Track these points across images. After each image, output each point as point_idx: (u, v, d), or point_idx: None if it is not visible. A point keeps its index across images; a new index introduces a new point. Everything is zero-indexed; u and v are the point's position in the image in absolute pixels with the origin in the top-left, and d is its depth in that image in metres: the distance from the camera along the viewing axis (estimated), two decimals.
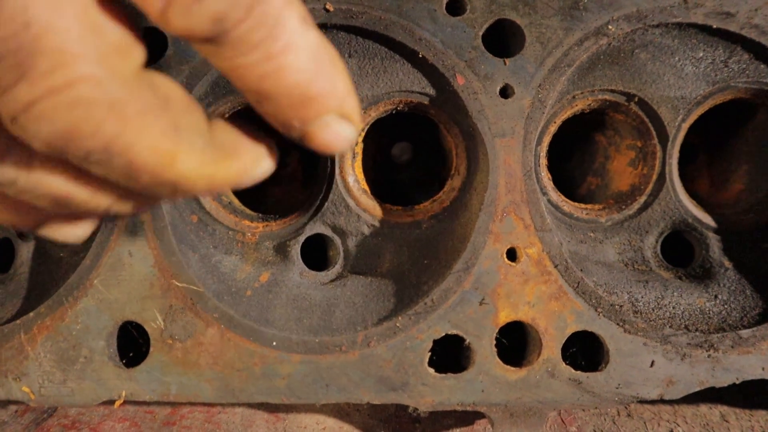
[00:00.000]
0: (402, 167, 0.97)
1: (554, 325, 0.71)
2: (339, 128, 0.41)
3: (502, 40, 0.74)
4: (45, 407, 0.77)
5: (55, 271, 0.76)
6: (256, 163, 0.43)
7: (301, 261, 0.78)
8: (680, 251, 0.81)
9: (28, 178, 0.39)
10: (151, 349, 0.71)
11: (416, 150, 0.96)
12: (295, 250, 0.78)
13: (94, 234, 0.72)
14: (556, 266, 0.71)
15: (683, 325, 0.72)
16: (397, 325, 0.70)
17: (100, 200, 0.42)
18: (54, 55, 0.33)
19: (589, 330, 0.71)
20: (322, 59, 0.39)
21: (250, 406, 0.80)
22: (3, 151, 0.38)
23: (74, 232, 0.48)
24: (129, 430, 0.76)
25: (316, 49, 0.39)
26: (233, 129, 0.42)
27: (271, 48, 0.36)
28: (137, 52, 0.38)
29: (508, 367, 0.71)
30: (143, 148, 0.37)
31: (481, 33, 0.71)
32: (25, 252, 0.79)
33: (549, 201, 0.79)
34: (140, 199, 0.43)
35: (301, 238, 0.78)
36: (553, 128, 0.79)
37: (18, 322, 0.71)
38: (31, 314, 0.71)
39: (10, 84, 0.33)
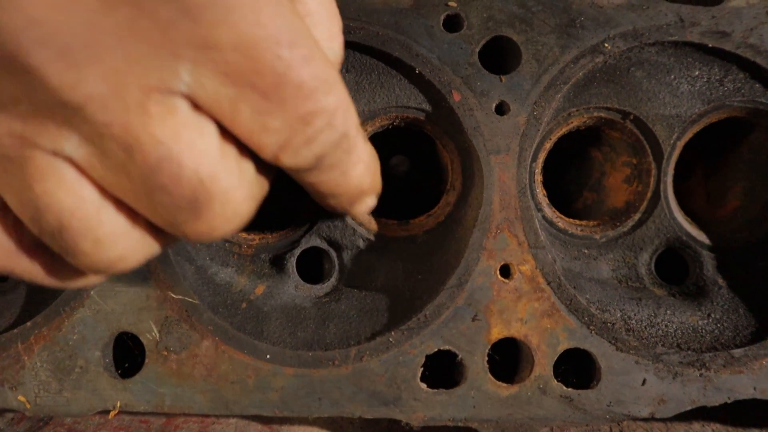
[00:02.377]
0: (399, 181, 0.98)
1: (546, 342, 0.71)
2: (371, 202, 0.54)
3: (499, 57, 0.75)
4: (41, 416, 0.78)
5: None
6: None
7: (296, 274, 0.79)
8: (674, 269, 0.81)
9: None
10: (146, 360, 0.71)
11: (413, 164, 0.96)
12: (291, 262, 0.78)
13: None
14: (549, 283, 0.71)
15: (676, 344, 0.72)
16: (390, 340, 0.71)
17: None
18: (222, 196, 0.40)
19: (581, 347, 0.71)
20: (373, 162, 0.50)
21: (244, 417, 0.80)
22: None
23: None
24: None
25: (371, 156, 0.49)
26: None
27: (346, 165, 0.46)
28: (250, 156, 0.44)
29: (500, 383, 0.71)
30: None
31: (477, 50, 0.72)
32: None
33: (544, 217, 0.79)
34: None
35: (297, 251, 0.79)
36: (548, 145, 0.79)
37: (15, 331, 0.72)
38: (29, 324, 0.72)
39: (188, 223, 0.40)
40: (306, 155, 0.41)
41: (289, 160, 0.41)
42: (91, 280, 0.48)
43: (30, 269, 0.45)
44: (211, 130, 0.39)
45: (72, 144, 0.37)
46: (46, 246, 0.43)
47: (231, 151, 0.41)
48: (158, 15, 0.34)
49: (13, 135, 0.36)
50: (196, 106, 0.38)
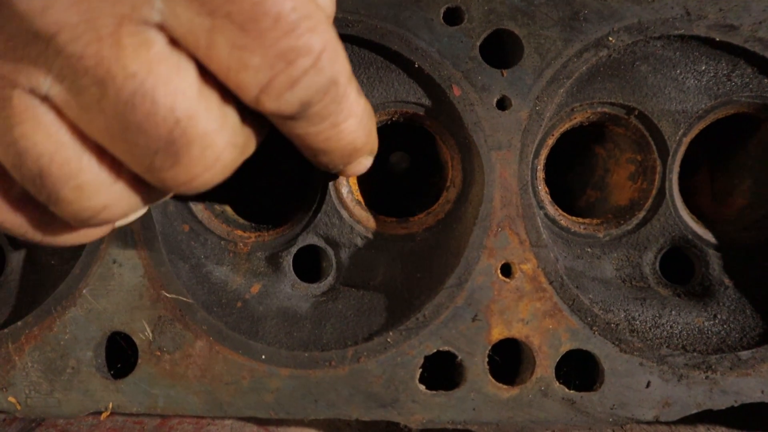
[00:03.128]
0: (399, 178, 0.96)
1: (548, 343, 0.69)
2: (367, 162, 0.53)
3: (500, 50, 0.73)
4: (32, 417, 0.77)
5: (45, 280, 0.76)
6: None
7: (293, 272, 0.77)
8: (679, 268, 0.79)
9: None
10: (139, 361, 0.70)
11: (414, 161, 0.95)
12: (287, 261, 0.77)
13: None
14: (551, 283, 0.69)
15: (681, 345, 0.71)
16: (388, 340, 0.69)
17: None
18: (202, 139, 0.38)
19: (584, 349, 0.69)
20: (367, 117, 0.48)
21: (239, 418, 0.79)
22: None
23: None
24: None
25: (365, 111, 0.47)
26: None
27: (337, 118, 0.44)
28: (233, 100, 0.42)
29: (501, 385, 0.69)
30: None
31: (478, 43, 0.70)
32: (15, 260, 0.79)
33: (546, 215, 0.78)
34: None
35: (294, 249, 0.77)
36: (551, 141, 0.77)
37: (6, 331, 0.71)
38: (19, 323, 0.71)
39: (164, 167, 0.39)
40: (290, 100, 0.39)
41: (271, 104, 0.39)
42: (80, 236, 0.47)
43: (17, 222, 0.44)
44: (189, 68, 0.38)
45: (48, 82, 0.36)
46: (34, 199, 0.42)
47: (212, 93, 0.39)
48: None
49: None
50: (174, 42, 0.37)
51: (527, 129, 0.70)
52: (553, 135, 0.77)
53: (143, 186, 0.43)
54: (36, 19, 0.33)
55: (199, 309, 0.70)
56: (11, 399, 0.70)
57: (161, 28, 0.36)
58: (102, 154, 0.40)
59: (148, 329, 0.70)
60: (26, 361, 0.70)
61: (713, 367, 0.69)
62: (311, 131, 0.44)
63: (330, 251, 0.78)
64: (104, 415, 0.70)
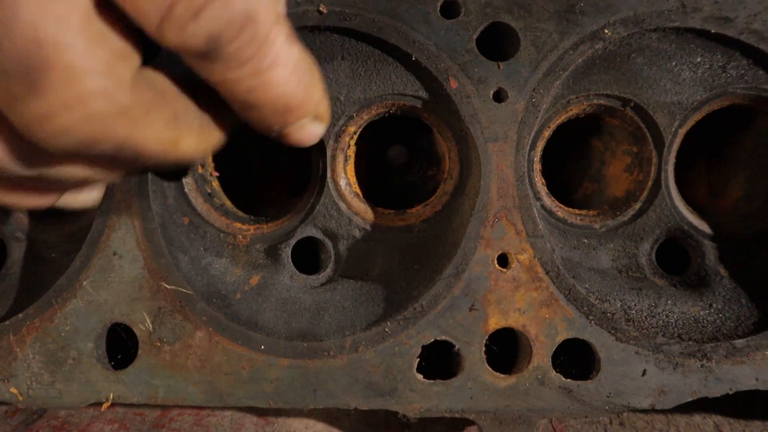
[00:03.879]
0: (397, 171, 0.96)
1: (545, 332, 0.70)
2: (312, 128, 0.47)
3: (497, 43, 0.73)
4: (34, 408, 0.77)
5: (46, 272, 0.76)
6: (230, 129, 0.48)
7: (291, 264, 0.78)
8: (675, 259, 0.80)
9: (48, 172, 0.43)
10: (140, 352, 0.71)
11: (412, 153, 0.95)
12: (286, 253, 0.77)
13: (84, 233, 0.72)
14: (547, 273, 0.70)
15: (676, 334, 0.71)
16: (386, 330, 0.70)
17: (109, 176, 0.46)
18: (65, 72, 0.34)
19: (581, 338, 0.70)
20: (303, 71, 0.43)
21: (239, 409, 0.79)
22: (24, 151, 0.40)
23: (89, 198, 0.54)
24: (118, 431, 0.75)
25: (299, 62, 0.42)
26: (213, 101, 0.44)
27: (259, 64, 0.39)
28: (136, 55, 0.39)
29: (498, 374, 0.70)
30: (150, 141, 0.40)
31: (475, 36, 0.70)
32: (16, 252, 0.79)
33: (542, 206, 0.78)
34: (140, 170, 0.48)
35: (292, 241, 0.78)
36: (547, 133, 0.78)
37: (7, 323, 0.71)
38: (21, 315, 0.71)
39: (21, 95, 0.35)
40: (195, 32, 0.35)
41: (174, 35, 0.36)
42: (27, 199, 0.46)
43: None
44: None
45: None
46: None
47: (106, 32, 0.36)
48: None
49: None
50: None
51: (524, 121, 0.71)
52: (549, 127, 0.78)
53: (16, 142, 0.39)
54: None
55: (199, 300, 0.70)
56: (13, 390, 0.71)
57: None
58: None
59: (148, 320, 0.71)
60: (28, 353, 0.71)
61: (708, 355, 0.69)
62: (230, 77, 0.39)
63: (328, 243, 0.78)
64: (105, 405, 0.71)
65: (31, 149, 0.40)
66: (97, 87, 0.36)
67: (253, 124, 0.46)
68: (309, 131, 0.48)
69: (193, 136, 0.44)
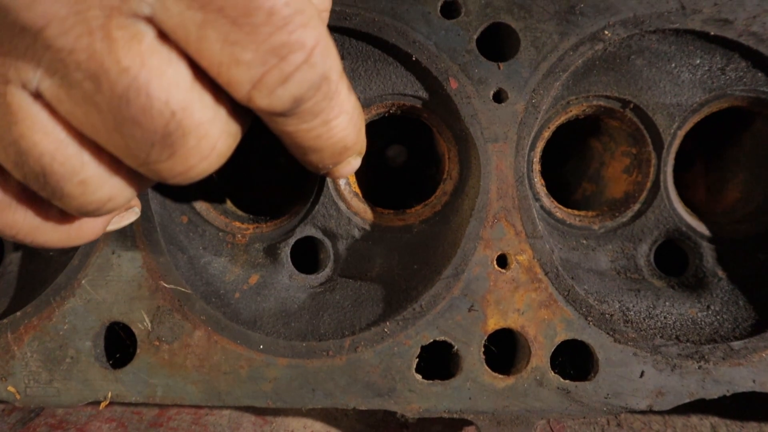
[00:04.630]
0: (397, 170, 0.96)
1: (543, 333, 0.70)
2: (355, 163, 0.53)
3: (497, 43, 0.73)
4: (32, 407, 0.77)
5: (44, 271, 0.76)
6: None
7: (290, 264, 0.78)
8: (674, 260, 0.80)
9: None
10: (138, 351, 0.70)
11: (411, 153, 0.95)
12: (285, 252, 0.77)
13: None
14: (546, 274, 0.70)
15: (674, 336, 0.72)
16: (385, 330, 0.70)
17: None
18: (198, 130, 0.39)
19: (579, 339, 0.70)
20: (357, 116, 0.48)
21: (237, 408, 0.79)
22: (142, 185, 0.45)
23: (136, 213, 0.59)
24: (116, 430, 0.75)
25: (355, 108, 0.47)
26: None
27: (328, 115, 0.43)
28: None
29: (496, 374, 0.70)
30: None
31: (475, 36, 0.70)
32: (14, 250, 0.79)
33: (542, 207, 0.78)
34: None
35: (291, 241, 0.78)
36: (547, 133, 0.78)
37: (5, 321, 0.71)
38: (18, 313, 0.71)
39: (161, 159, 0.39)
40: (282, 96, 0.39)
41: (263, 100, 0.39)
42: (73, 237, 0.47)
43: (20, 221, 0.44)
44: (179, 59, 0.37)
45: (38, 76, 0.36)
46: (29, 198, 0.43)
47: (203, 82, 0.39)
48: None
49: None
50: (163, 35, 0.36)
51: (523, 121, 0.71)
52: (549, 128, 0.78)
53: (140, 176, 0.43)
54: (22, 12, 0.33)
55: (198, 299, 0.70)
56: (11, 388, 0.71)
57: (150, 21, 0.36)
58: (99, 149, 0.40)
59: (146, 319, 0.71)
60: (25, 351, 0.71)
61: (706, 357, 0.69)
62: (302, 128, 0.43)
63: (327, 243, 0.78)
64: (103, 404, 0.71)
65: (149, 180, 0.45)
66: (220, 131, 0.40)
67: (310, 164, 0.51)
68: (353, 166, 0.53)
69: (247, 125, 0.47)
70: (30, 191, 0.43)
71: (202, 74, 0.39)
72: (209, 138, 0.40)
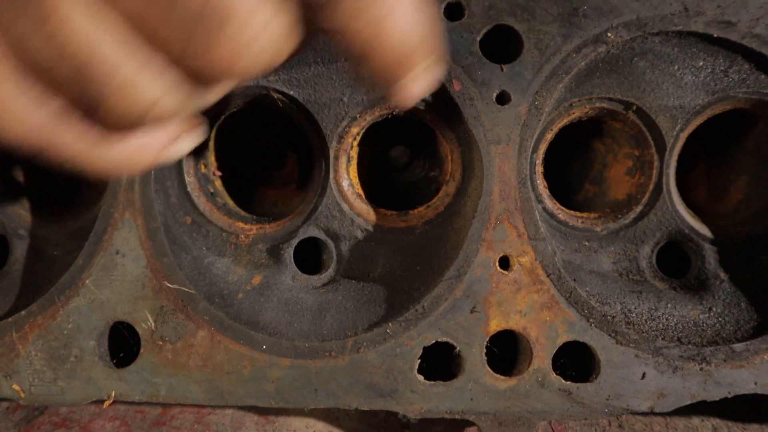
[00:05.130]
0: (400, 172, 0.97)
1: (545, 334, 0.70)
2: (428, 76, 0.44)
3: (500, 46, 0.74)
4: (36, 405, 0.78)
5: (49, 270, 0.76)
6: None
7: (293, 264, 0.78)
8: (676, 262, 0.80)
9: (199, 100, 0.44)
10: (142, 350, 0.71)
11: (414, 155, 0.95)
12: (288, 253, 0.78)
13: (87, 231, 0.72)
14: (548, 275, 0.70)
15: (676, 338, 0.72)
16: (388, 331, 0.70)
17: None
18: (240, 15, 0.36)
19: (581, 340, 0.70)
20: (419, 13, 0.41)
21: (240, 408, 0.80)
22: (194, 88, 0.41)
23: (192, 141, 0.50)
24: (119, 429, 0.76)
25: (415, 8, 0.40)
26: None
27: (379, 11, 0.38)
28: None
29: (498, 376, 0.70)
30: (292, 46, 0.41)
31: (478, 38, 0.71)
32: (19, 250, 0.79)
33: (544, 209, 0.79)
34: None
35: (294, 241, 0.78)
36: (549, 135, 0.78)
37: (10, 320, 0.72)
38: (23, 312, 0.71)
39: (207, 46, 0.37)
40: None
41: None
42: (126, 158, 0.44)
43: (68, 143, 0.41)
44: None
45: None
46: (76, 113, 0.40)
47: None
48: None
49: None
50: None
51: (526, 123, 0.71)
52: (551, 130, 0.78)
53: (188, 77, 0.40)
54: None
55: (201, 300, 0.71)
56: (15, 387, 0.71)
57: None
58: (144, 43, 0.38)
59: (150, 319, 0.71)
60: (30, 350, 0.71)
61: (708, 359, 0.70)
62: (353, 27, 0.39)
63: (330, 243, 0.79)
64: (107, 403, 0.71)
65: (199, 85, 0.41)
66: (266, 19, 0.37)
67: (368, 77, 0.43)
68: (425, 81, 0.44)
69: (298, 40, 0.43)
70: (74, 110, 0.40)
71: None
72: (253, 24, 0.37)
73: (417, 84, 0.43)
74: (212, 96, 0.44)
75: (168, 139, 0.47)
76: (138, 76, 0.38)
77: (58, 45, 0.36)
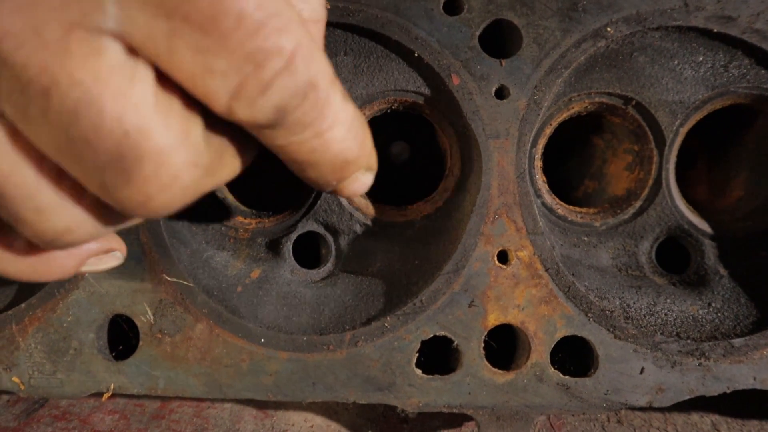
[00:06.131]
0: (398, 166, 0.97)
1: (543, 329, 0.70)
2: (364, 179, 0.49)
3: (499, 40, 0.74)
4: (35, 398, 0.78)
5: None
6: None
7: (292, 258, 0.78)
8: (675, 257, 0.80)
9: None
10: (140, 343, 0.71)
11: (413, 149, 0.95)
12: (287, 247, 0.78)
13: None
14: (547, 270, 0.70)
15: (675, 333, 0.72)
16: (386, 325, 0.70)
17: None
18: (155, 156, 0.36)
19: (579, 335, 0.70)
20: (358, 127, 0.44)
21: (239, 401, 0.80)
22: (108, 218, 0.41)
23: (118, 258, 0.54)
24: (118, 422, 0.76)
25: (354, 119, 0.43)
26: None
27: (320, 126, 0.40)
28: (198, 112, 0.40)
29: (496, 370, 0.70)
30: (224, 179, 0.44)
31: (478, 33, 0.70)
32: None
33: (543, 204, 0.78)
34: None
35: (294, 236, 0.78)
36: (548, 130, 0.78)
37: (10, 312, 0.72)
38: (23, 305, 0.72)
39: (117, 185, 0.36)
40: (264, 106, 0.37)
41: (244, 111, 0.37)
42: (40, 271, 0.45)
43: None
44: (146, 77, 0.35)
45: None
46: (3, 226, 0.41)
47: (173, 105, 0.36)
48: None
49: None
50: (132, 49, 0.34)
51: (525, 118, 0.71)
52: (551, 124, 0.78)
53: (104, 209, 0.40)
54: None
55: (200, 293, 0.71)
56: (15, 379, 0.71)
57: (117, 35, 0.34)
58: (59, 174, 0.38)
59: (149, 312, 0.71)
60: (30, 343, 0.71)
61: (706, 354, 0.69)
62: (293, 141, 0.40)
63: (329, 238, 0.79)
64: (106, 396, 0.71)
65: (116, 215, 0.41)
66: (184, 160, 0.37)
67: (310, 181, 0.47)
68: (362, 182, 0.49)
69: (239, 162, 0.45)
70: None
71: (172, 91, 0.37)
72: (170, 166, 0.36)
73: (354, 186, 0.48)
74: (130, 222, 0.45)
75: (84, 256, 0.48)
76: (52, 205, 0.38)
77: None
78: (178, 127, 0.37)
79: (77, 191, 0.39)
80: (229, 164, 0.43)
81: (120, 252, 0.53)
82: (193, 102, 0.37)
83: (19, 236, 0.42)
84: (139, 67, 0.35)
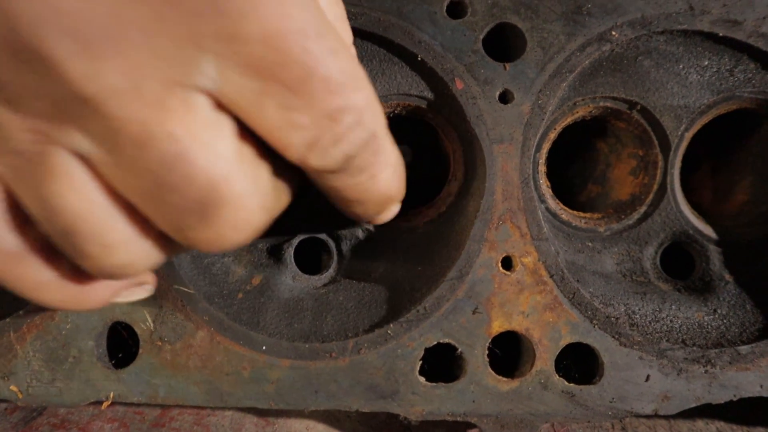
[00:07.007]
0: None
1: (548, 336, 0.69)
2: (395, 209, 0.53)
3: (503, 44, 0.73)
4: (34, 406, 0.77)
5: None
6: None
7: (294, 264, 0.77)
8: (680, 263, 0.79)
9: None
10: (140, 351, 0.70)
11: (416, 154, 0.95)
12: (289, 253, 0.77)
13: None
14: (551, 276, 0.70)
15: (680, 340, 0.71)
16: (389, 332, 0.69)
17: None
18: (235, 202, 0.38)
19: (584, 342, 0.69)
20: (401, 167, 0.48)
21: (239, 409, 0.79)
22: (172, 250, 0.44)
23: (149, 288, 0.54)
24: (118, 430, 0.75)
25: (398, 159, 0.48)
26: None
27: (375, 169, 0.44)
28: (267, 159, 0.42)
29: (501, 377, 0.70)
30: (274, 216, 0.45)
31: (481, 37, 0.70)
32: None
33: (547, 209, 0.78)
34: None
35: (295, 241, 0.77)
36: (552, 135, 0.77)
37: (8, 320, 0.71)
38: (21, 312, 0.71)
39: (193, 226, 0.39)
40: (335, 155, 0.40)
41: (317, 160, 0.40)
42: (91, 298, 0.46)
43: (30, 273, 0.43)
44: (229, 130, 0.38)
45: (88, 141, 0.36)
46: (54, 251, 0.42)
47: (248, 153, 0.40)
48: (184, 6, 0.33)
49: (31, 130, 0.36)
50: (219, 104, 0.37)
51: (529, 123, 0.70)
52: (555, 129, 0.77)
53: (168, 243, 0.43)
54: (86, 85, 0.33)
55: (201, 300, 0.70)
56: (13, 388, 0.71)
57: (208, 92, 0.36)
58: (132, 213, 0.40)
59: (149, 319, 0.70)
60: (28, 350, 0.71)
61: (712, 361, 0.69)
62: (350, 183, 0.44)
63: (331, 243, 0.78)
64: (105, 404, 0.70)
65: (176, 248, 0.44)
66: (257, 204, 0.40)
67: (353, 214, 0.51)
68: (393, 212, 0.53)
69: (289, 199, 0.48)
70: (48, 245, 0.42)
71: (248, 140, 0.39)
72: (245, 210, 0.40)
73: (388, 216, 0.53)
74: (183, 253, 0.47)
75: (121, 288, 0.49)
76: (120, 240, 0.40)
77: (50, 208, 0.38)
78: (251, 173, 0.40)
79: (145, 227, 0.41)
80: (284, 202, 0.46)
81: (150, 285, 0.54)
82: (264, 149, 0.40)
83: (63, 266, 0.43)
84: (223, 119, 0.38)
